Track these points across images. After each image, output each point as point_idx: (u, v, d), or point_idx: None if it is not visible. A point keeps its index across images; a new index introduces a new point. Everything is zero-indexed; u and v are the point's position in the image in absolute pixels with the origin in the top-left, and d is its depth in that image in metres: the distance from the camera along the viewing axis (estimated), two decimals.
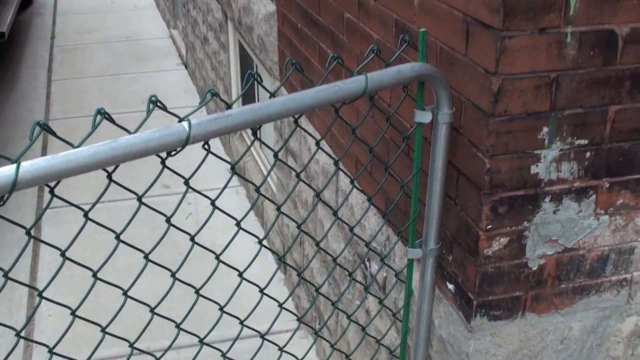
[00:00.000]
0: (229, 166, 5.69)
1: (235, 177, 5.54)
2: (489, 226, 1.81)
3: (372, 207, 2.56)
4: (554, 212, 1.85)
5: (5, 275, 1.32)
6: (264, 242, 4.50)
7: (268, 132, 4.66)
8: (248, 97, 5.23)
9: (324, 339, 2.00)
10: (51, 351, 1.50)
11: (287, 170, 3.95)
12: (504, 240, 1.84)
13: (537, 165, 1.79)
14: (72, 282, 4.30)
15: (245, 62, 5.16)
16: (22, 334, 3.87)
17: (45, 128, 1.32)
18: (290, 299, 4.12)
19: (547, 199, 1.83)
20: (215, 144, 6.07)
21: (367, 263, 2.67)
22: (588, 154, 1.81)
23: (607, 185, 1.86)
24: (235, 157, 5.65)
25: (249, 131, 5.37)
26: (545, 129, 1.75)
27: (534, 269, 1.90)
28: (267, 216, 4.56)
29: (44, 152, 5.91)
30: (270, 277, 1.92)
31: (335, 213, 1.83)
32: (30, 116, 6.75)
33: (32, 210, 5.17)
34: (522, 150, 1.76)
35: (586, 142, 1.79)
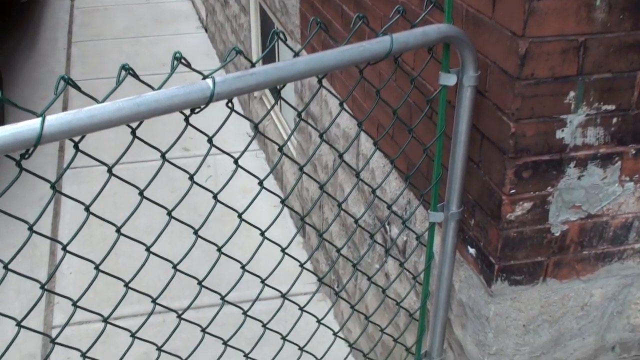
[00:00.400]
0: (248, 130, 5.68)
1: (254, 141, 5.54)
2: (513, 191, 1.80)
3: (393, 171, 2.55)
4: (579, 178, 1.83)
5: (30, 229, 1.33)
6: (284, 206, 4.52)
7: (288, 96, 4.65)
8: (268, 60, 5.21)
9: (344, 299, 2.00)
10: (75, 304, 1.51)
11: (307, 133, 3.94)
12: (527, 205, 1.83)
13: (562, 130, 1.77)
14: (92, 241, 4.34)
15: (266, 25, 5.13)
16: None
17: (70, 83, 1.32)
18: (309, 262, 4.14)
19: (572, 165, 1.81)
20: (236, 105, 6.06)
21: (388, 227, 2.66)
22: (615, 120, 1.78)
23: (633, 152, 1.84)
24: (255, 120, 5.65)
25: (269, 95, 5.36)
26: (572, 94, 1.73)
27: (557, 234, 1.89)
28: (287, 180, 4.56)
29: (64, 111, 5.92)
30: (292, 238, 1.92)
31: (357, 174, 1.82)
32: (50, 77, 6.76)
33: (53, 170, 5.20)
34: (548, 114, 1.74)
35: (613, 107, 1.77)
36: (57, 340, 1.53)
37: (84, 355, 1.61)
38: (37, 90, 6.47)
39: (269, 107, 5.29)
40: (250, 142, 1.68)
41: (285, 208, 4.64)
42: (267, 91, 5.40)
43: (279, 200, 1.73)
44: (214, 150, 4.92)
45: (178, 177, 4.93)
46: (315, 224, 4.01)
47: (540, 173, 1.80)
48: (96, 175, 5.04)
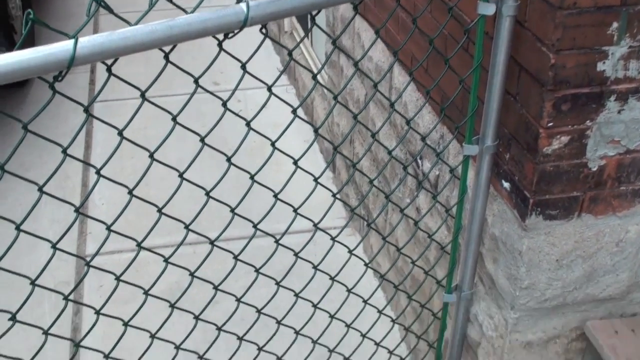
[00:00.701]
0: (278, 65, 5.64)
1: (284, 77, 5.50)
2: (550, 124, 1.77)
3: (426, 105, 2.51)
4: (619, 112, 1.79)
5: (64, 152, 1.32)
6: (315, 142, 4.51)
7: (319, 30, 4.58)
8: None
9: (376, 230, 1.99)
10: (109, 228, 1.52)
11: (338, 68, 3.90)
12: (564, 139, 1.79)
13: (604, 62, 1.72)
14: (123, 174, 4.37)
15: None
16: (78, 220, 3.97)
17: (102, 4, 1.30)
18: (338, 196, 4.13)
19: (612, 98, 1.77)
20: (266, 43, 6.00)
21: (420, 161, 2.64)
22: None
23: None
24: (285, 56, 5.59)
25: (300, 30, 5.30)
26: (615, 25, 1.67)
27: (594, 169, 1.86)
28: (317, 115, 4.54)
29: None
30: (322, 170, 1.91)
31: (392, 104, 1.79)
32: (80, 9, 6.75)
33: (84, 101, 5.22)
34: (590, 45, 1.69)
35: None
36: (91, 264, 1.54)
37: (117, 278, 1.63)
38: (68, 23, 6.46)
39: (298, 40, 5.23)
40: (284, 70, 1.65)
41: (315, 144, 4.63)
42: (298, 26, 5.33)
43: (312, 130, 1.71)
44: (244, 85, 4.88)
45: (209, 112, 4.93)
46: (346, 159, 4.00)
47: (579, 106, 1.76)
48: (127, 108, 5.06)
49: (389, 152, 1.88)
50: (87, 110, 1.33)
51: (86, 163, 1.37)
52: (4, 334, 1.47)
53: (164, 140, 1.49)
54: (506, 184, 1.98)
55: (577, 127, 1.79)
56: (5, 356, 1.54)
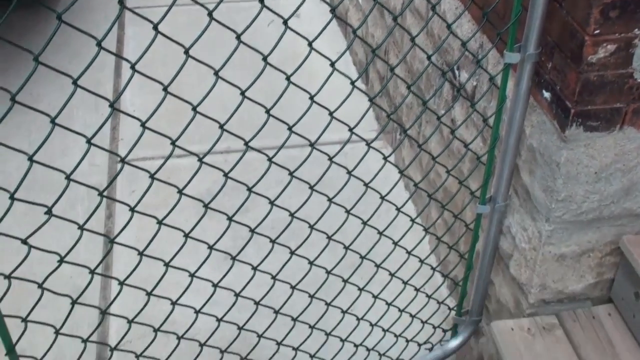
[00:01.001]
0: None
1: None
2: (597, 31, 1.70)
3: (465, 13, 2.44)
4: None
5: (99, 44, 1.30)
6: (347, 51, 4.43)
7: None
8: None
9: (411, 137, 1.96)
10: (143, 125, 1.51)
11: None
12: (610, 47, 1.73)
13: None
14: (154, 82, 4.35)
15: None
16: (110, 124, 3.99)
17: None
18: (371, 110, 4.09)
19: None
20: None
21: (457, 71, 2.58)
22: None
23: None
24: None
25: None
26: None
27: (639, 80, 1.80)
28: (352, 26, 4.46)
29: None
30: (357, 77, 1.87)
31: (433, 7, 1.73)
32: None
33: (115, 7, 5.17)
34: None
35: None
36: (125, 161, 1.53)
37: (152, 176, 1.63)
38: None
39: None
40: None
41: (348, 56, 4.56)
42: None
43: (346, 39, 1.67)
44: None
45: (241, 21, 4.84)
46: (380, 72, 3.94)
47: (628, 13, 1.69)
48: (157, 16, 4.99)
49: (429, 57, 1.83)
50: (121, 2, 1.30)
51: (119, 57, 1.34)
52: (39, 227, 1.48)
53: (200, 35, 1.46)
54: (547, 94, 1.93)
55: (624, 36, 1.72)
56: (40, 249, 1.56)
